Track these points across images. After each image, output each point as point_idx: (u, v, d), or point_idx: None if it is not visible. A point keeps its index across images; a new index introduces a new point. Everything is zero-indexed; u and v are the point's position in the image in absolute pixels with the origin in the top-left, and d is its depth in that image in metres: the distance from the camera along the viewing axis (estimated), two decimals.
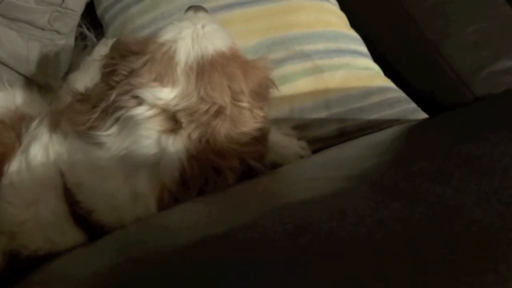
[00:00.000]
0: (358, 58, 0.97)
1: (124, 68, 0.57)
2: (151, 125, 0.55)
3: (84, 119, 0.57)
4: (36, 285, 0.45)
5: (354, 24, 1.05)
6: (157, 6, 0.96)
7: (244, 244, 0.28)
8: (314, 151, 0.86)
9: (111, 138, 0.56)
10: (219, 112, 0.56)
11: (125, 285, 0.30)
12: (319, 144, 0.89)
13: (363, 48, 1.01)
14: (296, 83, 0.89)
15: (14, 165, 0.61)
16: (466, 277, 0.24)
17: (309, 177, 0.43)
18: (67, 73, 0.92)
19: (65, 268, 0.46)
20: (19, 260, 0.58)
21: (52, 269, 0.48)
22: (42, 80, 0.86)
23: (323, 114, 0.89)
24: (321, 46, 0.94)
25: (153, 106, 0.55)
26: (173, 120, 0.55)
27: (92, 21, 1.04)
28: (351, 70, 0.93)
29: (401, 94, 0.94)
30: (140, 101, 0.55)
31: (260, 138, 0.60)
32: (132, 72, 0.57)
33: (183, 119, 0.55)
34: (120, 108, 0.56)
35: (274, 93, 0.89)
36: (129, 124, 0.55)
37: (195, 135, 0.55)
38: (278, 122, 0.82)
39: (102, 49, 0.93)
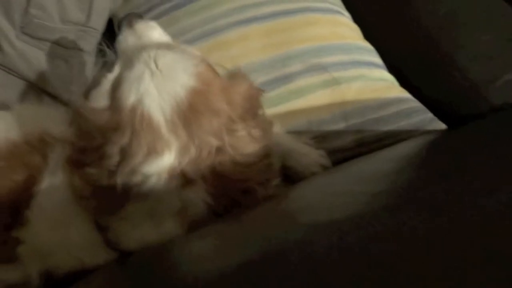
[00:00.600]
0: (374, 69, 0.98)
1: (112, 149, 0.54)
2: (167, 189, 0.54)
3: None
4: None
5: (368, 36, 1.06)
6: (176, 22, 0.99)
7: (301, 263, 0.27)
8: (333, 162, 0.86)
9: (131, 207, 0.56)
10: (219, 149, 0.55)
11: None
12: (337, 155, 0.89)
13: (377, 59, 1.02)
14: (313, 96, 0.91)
15: (43, 187, 0.62)
16: None
17: (342, 191, 0.43)
18: (89, 90, 0.94)
19: None
20: (54, 279, 0.59)
21: None
22: (66, 96, 0.88)
23: (341, 125, 0.90)
24: (337, 58, 0.95)
25: (160, 174, 0.54)
26: (183, 175, 0.55)
27: (111, 38, 1.07)
28: (367, 81, 0.94)
29: (417, 104, 0.94)
30: (147, 175, 0.54)
31: (265, 151, 0.59)
32: (124, 153, 0.54)
33: (191, 172, 0.54)
34: (131, 188, 0.55)
35: (291, 106, 0.91)
36: (147, 195, 0.55)
37: (209, 177, 0.55)
38: (296, 134, 0.83)
39: None
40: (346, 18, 1.04)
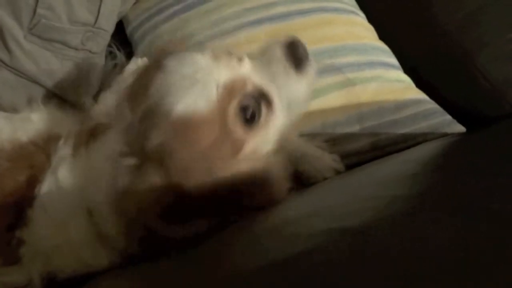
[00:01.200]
0: (390, 70, 0.95)
1: None
2: None
3: None
4: None
5: (382, 36, 1.03)
6: (186, 24, 0.97)
7: (314, 270, 0.26)
8: (347, 166, 0.83)
9: None
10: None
11: None
12: (351, 159, 0.87)
13: (393, 60, 0.99)
14: (328, 97, 0.88)
15: (44, 187, 0.60)
16: None
17: (364, 196, 0.41)
18: (98, 92, 0.93)
19: None
20: (56, 282, 0.57)
21: None
22: (75, 99, 0.87)
23: (356, 128, 0.88)
24: (352, 59, 0.92)
25: None
26: None
27: (121, 40, 1.06)
28: (383, 82, 0.91)
29: (435, 106, 0.91)
30: None
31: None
32: None
33: None
34: None
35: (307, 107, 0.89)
36: None
37: None
38: (310, 136, 0.80)
39: (132, 68, 0.94)
40: (361, 18, 1.01)
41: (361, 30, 0.98)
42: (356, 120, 0.88)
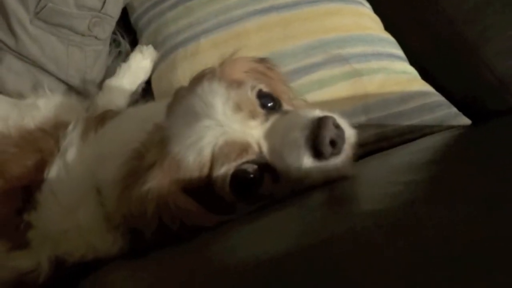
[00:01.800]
0: (396, 62, 0.95)
1: None
2: None
3: None
4: None
5: (388, 27, 1.03)
6: (191, 12, 0.96)
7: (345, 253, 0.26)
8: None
9: None
10: None
11: None
12: (357, 149, 0.87)
13: (399, 51, 0.99)
14: (334, 88, 0.88)
15: (53, 171, 0.60)
16: None
17: (384, 182, 0.40)
18: (103, 80, 0.92)
19: None
20: (65, 267, 0.57)
21: None
22: (80, 86, 0.86)
23: (361, 119, 0.87)
24: (359, 49, 0.92)
25: None
26: None
27: (125, 27, 1.05)
28: (389, 74, 0.91)
29: (441, 98, 0.91)
30: None
31: None
32: None
33: None
34: None
35: (312, 97, 0.88)
36: None
37: None
38: None
39: (137, 56, 0.93)
40: (367, 9, 1.01)
41: (367, 21, 0.98)
42: (362, 111, 0.88)
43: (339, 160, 0.48)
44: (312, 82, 0.87)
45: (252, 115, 0.51)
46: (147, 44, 0.96)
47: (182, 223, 0.48)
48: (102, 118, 0.68)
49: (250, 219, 0.43)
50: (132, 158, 0.54)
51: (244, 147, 0.49)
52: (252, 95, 0.52)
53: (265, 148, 0.50)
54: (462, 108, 0.91)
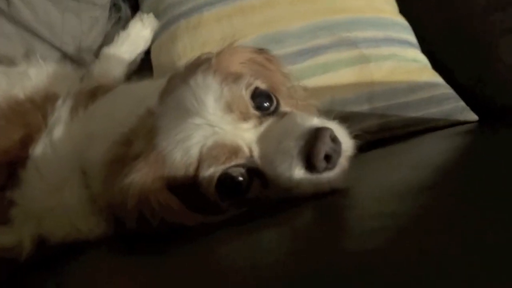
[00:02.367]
0: (407, 49, 0.90)
1: None
2: None
3: None
4: None
5: (404, 11, 0.97)
6: None
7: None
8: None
9: None
10: None
11: None
12: (357, 138, 0.84)
13: (412, 37, 0.94)
14: (339, 73, 0.84)
15: (39, 148, 0.59)
16: None
17: (374, 207, 0.38)
18: (100, 47, 0.89)
19: None
20: (47, 247, 0.56)
21: None
22: (76, 53, 0.83)
23: (365, 107, 0.84)
24: (369, 33, 0.88)
25: None
26: None
27: None
28: (399, 61, 0.87)
29: (450, 91, 0.87)
30: None
31: None
32: None
33: None
34: None
35: (315, 81, 0.85)
36: None
37: None
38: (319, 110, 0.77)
39: (137, 24, 0.90)
40: None
41: (381, 3, 0.93)
42: (367, 99, 0.84)
43: (332, 174, 0.45)
44: (317, 66, 0.83)
45: (244, 117, 0.48)
46: (148, 12, 0.91)
47: (163, 219, 0.47)
48: (94, 94, 0.65)
49: (240, 232, 0.41)
50: (120, 143, 0.52)
51: (234, 150, 0.46)
52: (246, 95, 0.49)
53: (256, 152, 0.47)
54: (470, 101, 0.88)
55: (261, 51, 0.58)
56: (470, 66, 0.93)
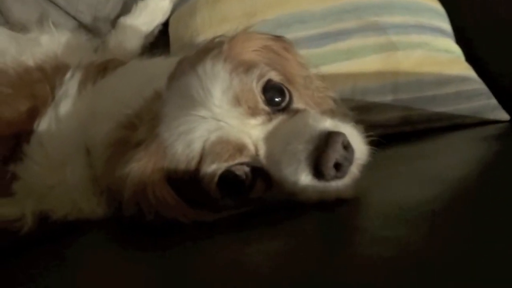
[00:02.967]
0: (440, 38, 0.84)
1: None
2: None
3: None
4: None
5: None
6: None
7: None
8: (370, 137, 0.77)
9: None
10: None
11: None
12: (376, 130, 0.79)
13: (446, 25, 0.88)
14: (363, 60, 0.79)
15: (44, 122, 0.58)
16: None
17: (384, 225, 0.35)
18: (117, 17, 0.86)
19: None
20: (49, 224, 0.56)
21: None
22: (91, 23, 0.80)
23: (388, 98, 0.80)
24: (399, 19, 0.82)
25: None
26: None
27: None
28: (429, 51, 0.82)
29: (482, 86, 0.82)
30: None
31: None
32: None
33: None
34: None
35: (337, 68, 0.80)
36: None
37: None
38: (337, 100, 0.73)
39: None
40: None
41: None
42: (390, 89, 0.79)
43: (341, 183, 0.42)
44: (339, 51, 0.79)
45: (252, 112, 0.44)
46: None
47: (158, 213, 0.45)
48: (104, 68, 0.63)
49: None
50: (124, 127, 0.50)
51: (238, 148, 0.43)
52: (257, 87, 0.45)
53: (262, 151, 0.44)
54: (503, 97, 0.82)
55: (278, 38, 0.54)
56: (508, 61, 0.86)
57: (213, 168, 0.43)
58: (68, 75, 0.61)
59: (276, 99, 0.46)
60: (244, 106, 0.44)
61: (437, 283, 0.25)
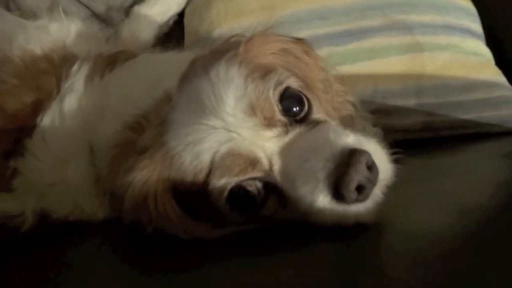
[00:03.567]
0: (469, 39, 0.80)
1: None
2: None
3: None
4: None
5: None
6: None
7: None
8: (390, 143, 0.73)
9: None
10: None
11: None
12: (397, 135, 0.76)
13: (477, 26, 0.83)
14: (386, 60, 0.75)
15: (48, 117, 0.55)
16: None
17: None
18: (131, 6, 0.83)
19: None
20: (50, 222, 0.54)
21: None
22: (104, 12, 0.78)
23: (410, 102, 0.76)
24: (428, 18, 0.77)
25: None
26: None
27: None
28: (457, 53, 0.77)
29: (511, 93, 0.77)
30: None
31: None
32: None
33: None
34: None
35: (358, 68, 0.76)
36: None
37: None
38: (356, 105, 0.69)
39: None
40: None
41: None
42: (414, 93, 0.75)
43: (362, 207, 0.38)
44: (362, 50, 0.75)
45: (268, 124, 0.41)
46: None
47: (158, 228, 0.42)
48: (113, 60, 0.61)
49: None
50: (130, 128, 0.47)
51: (250, 162, 0.40)
52: (274, 96, 0.41)
53: (277, 166, 0.40)
54: None
55: (298, 40, 0.50)
56: None
57: (223, 182, 0.40)
58: (75, 67, 0.58)
59: (294, 109, 0.42)
60: (259, 116, 0.40)
61: None
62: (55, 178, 0.54)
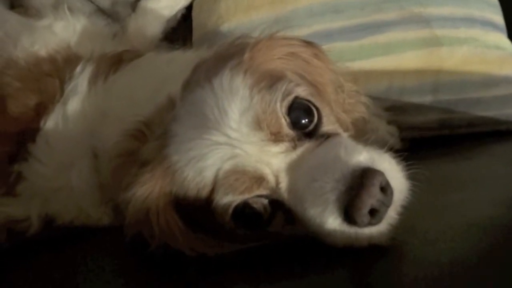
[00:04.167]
0: (490, 32, 0.76)
1: None
2: None
3: None
4: None
5: None
6: None
7: None
8: (405, 141, 0.70)
9: None
10: None
11: None
12: (412, 133, 0.74)
13: (499, 18, 0.79)
14: (402, 56, 0.72)
15: (51, 121, 0.54)
16: None
17: None
18: (137, 0, 0.81)
19: None
20: (55, 227, 0.53)
21: None
22: (110, 7, 0.76)
23: (427, 99, 0.73)
24: (447, 10, 0.74)
25: None
26: None
27: None
28: (477, 47, 0.74)
29: None
30: None
31: None
32: None
33: None
34: None
35: (372, 63, 0.73)
36: None
37: None
38: (369, 106, 0.66)
39: None
40: None
41: None
42: (430, 90, 0.73)
43: (376, 230, 0.36)
44: (377, 45, 0.72)
45: (275, 139, 0.38)
46: None
47: (161, 243, 0.41)
48: (117, 60, 0.59)
49: None
50: (132, 136, 0.45)
51: (256, 180, 0.38)
52: (282, 108, 0.39)
53: (284, 184, 0.38)
54: None
55: (308, 44, 0.47)
56: None
57: (227, 200, 0.38)
58: (78, 68, 0.57)
59: (303, 121, 0.40)
60: (266, 130, 0.38)
61: None
62: (59, 183, 0.53)
